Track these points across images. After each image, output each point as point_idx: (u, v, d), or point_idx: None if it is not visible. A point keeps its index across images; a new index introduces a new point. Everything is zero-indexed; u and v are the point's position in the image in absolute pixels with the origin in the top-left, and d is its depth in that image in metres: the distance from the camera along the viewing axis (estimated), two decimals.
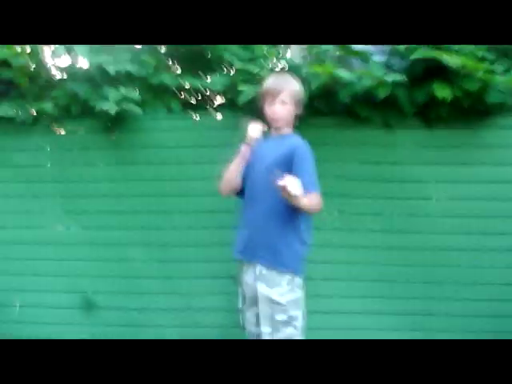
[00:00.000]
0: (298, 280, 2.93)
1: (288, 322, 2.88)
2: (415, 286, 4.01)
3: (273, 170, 2.74)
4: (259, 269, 2.91)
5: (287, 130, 3.05)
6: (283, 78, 3.08)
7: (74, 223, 4.23)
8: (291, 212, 2.81)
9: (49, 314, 4.24)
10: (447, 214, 3.96)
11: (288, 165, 2.81)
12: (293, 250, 2.89)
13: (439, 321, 4.01)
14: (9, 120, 4.16)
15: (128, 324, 4.17)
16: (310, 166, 2.85)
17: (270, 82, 3.06)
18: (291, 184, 2.57)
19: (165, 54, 4.30)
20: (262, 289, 2.89)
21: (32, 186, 4.26)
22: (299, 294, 2.94)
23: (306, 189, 2.67)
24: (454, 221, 3.96)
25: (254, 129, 3.02)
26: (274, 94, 2.97)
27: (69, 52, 4.08)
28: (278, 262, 2.87)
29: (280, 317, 2.87)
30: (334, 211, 3.93)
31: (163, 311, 4.15)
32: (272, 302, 2.86)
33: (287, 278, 2.88)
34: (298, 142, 2.93)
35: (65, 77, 4.18)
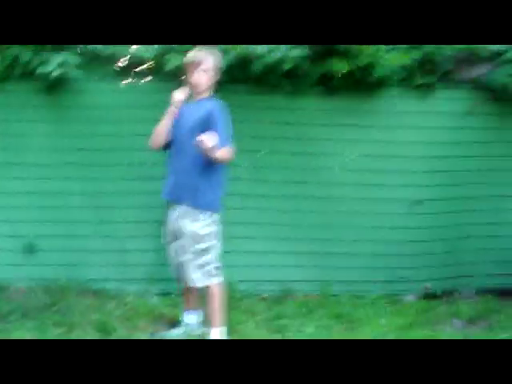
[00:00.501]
0: (215, 216, 3.58)
1: (206, 251, 3.53)
2: (315, 230, 4.74)
3: (194, 129, 3.37)
4: (184, 208, 3.53)
5: (206, 95, 3.62)
6: (203, 51, 3.63)
7: (15, 174, 4.65)
8: (209, 163, 3.43)
9: None
10: (344, 168, 4.71)
11: (206, 124, 3.41)
12: (211, 193, 3.52)
13: (337, 260, 4.77)
14: None
15: (66, 264, 4.64)
16: (223, 125, 3.47)
17: (192, 54, 3.61)
18: (206, 140, 3.20)
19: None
20: (186, 224, 3.52)
21: None
22: (215, 228, 3.58)
23: (220, 144, 3.31)
24: (349, 174, 4.71)
25: (179, 94, 3.60)
26: (195, 65, 3.53)
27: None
28: (199, 202, 3.50)
29: (200, 246, 3.51)
30: (247, 165, 4.56)
31: (98, 252, 4.67)
32: (194, 233, 3.50)
33: (206, 214, 3.52)
34: (213, 106, 3.52)
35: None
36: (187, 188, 3.51)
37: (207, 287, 3.56)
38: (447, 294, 4.79)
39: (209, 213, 3.52)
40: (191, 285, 3.59)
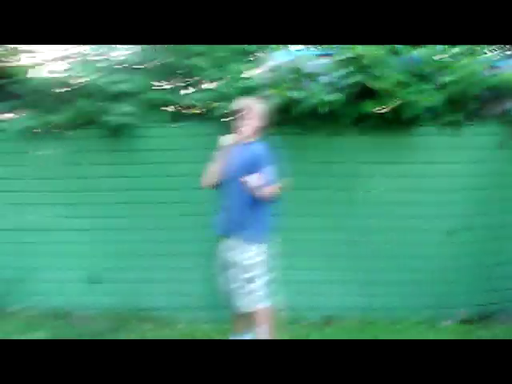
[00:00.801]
0: (262, 247, 3.95)
1: (253, 279, 3.89)
2: (358, 260, 5.06)
3: (242, 170, 3.79)
4: (233, 240, 3.93)
5: (253, 139, 4.02)
6: (249, 101, 4.06)
7: (81, 213, 5.17)
8: (255, 200, 3.84)
9: (64, 287, 5.18)
10: (382, 202, 5.03)
11: (252, 166, 3.82)
12: (257, 227, 3.90)
13: (377, 287, 5.07)
14: (27, 128, 5.08)
15: (126, 293, 5.11)
16: (267, 166, 3.85)
17: (239, 104, 4.04)
18: (251, 180, 3.61)
19: (152, 73, 5.26)
20: (235, 255, 3.91)
21: (46, 182, 5.19)
22: (262, 258, 3.95)
23: (266, 183, 3.72)
24: (386, 207, 5.03)
25: (229, 139, 4.03)
26: (243, 112, 3.96)
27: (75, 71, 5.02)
28: (246, 236, 3.89)
29: (248, 274, 3.88)
30: (294, 200, 4.87)
31: (155, 283, 5.12)
32: (242, 264, 3.89)
33: (253, 246, 3.91)
34: (258, 150, 3.92)
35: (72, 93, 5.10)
36: (236, 223, 3.90)
37: (256, 312, 3.91)
38: (484, 320, 4.98)
39: (256, 244, 3.90)
40: (240, 311, 3.95)
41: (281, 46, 5.31)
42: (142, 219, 5.13)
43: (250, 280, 3.88)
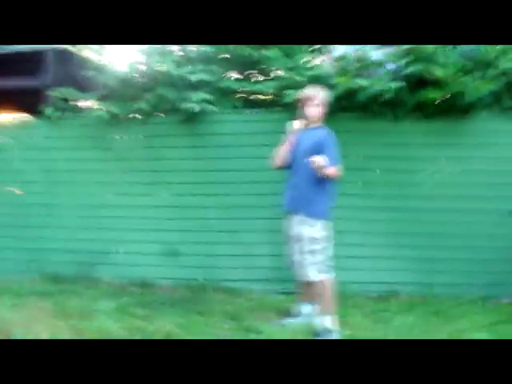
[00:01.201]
0: (326, 224, 4.30)
1: (319, 251, 4.25)
2: (419, 238, 5.33)
3: (308, 152, 4.14)
4: (301, 217, 4.29)
5: (318, 124, 4.36)
6: (315, 88, 4.38)
7: (163, 191, 5.66)
8: (320, 179, 4.17)
9: (144, 259, 5.68)
10: (442, 183, 5.28)
11: (318, 148, 4.14)
12: (322, 204, 4.25)
13: (438, 264, 5.32)
14: (113, 115, 5.59)
15: (203, 266, 5.57)
16: (332, 148, 4.18)
17: (306, 91, 4.37)
18: (318, 160, 3.96)
19: (226, 63, 5.66)
20: (305, 230, 4.27)
21: (129, 164, 5.71)
22: (327, 232, 4.31)
23: (330, 163, 4.05)
24: (446, 188, 5.28)
25: (295, 124, 4.38)
26: (309, 100, 4.29)
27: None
28: (313, 212, 4.25)
29: (315, 247, 4.24)
30: (358, 181, 5.24)
31: (229, 257, 5.55)
32: (310, 237, 4.25)
33: (319, 222, 4.26)
34: (323, 133, 4.25)
35: (153, 83, 5.57)
36: (303, 200, 4.26)
37: (320, 282, 4.27)
38: None
39: (320, 220, 4.26)
40: (307, 280, 4.32)
41: None
42: (216, 198, 5.57)
43: (315, 252, 4.22)
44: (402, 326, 4.37)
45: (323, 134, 4.24)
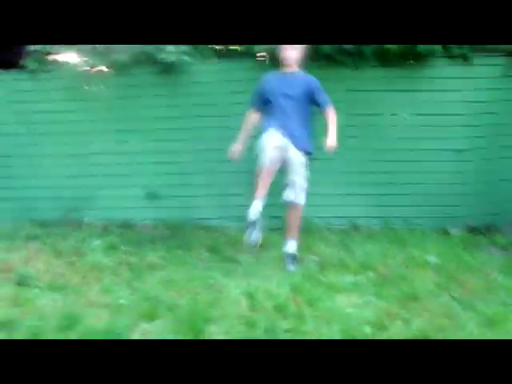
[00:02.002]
0: (307, 157, 4.71)
1: (304, 178, 4.67)
2: (377, 176, 5.87)
3: (302, 96, 4.58)
4: (293, 148, 4.61)
5: (295, 68, 4.72)
6: None
7: (141, 138, 6.04)
8: (309, 120, 4.65)
9: (125, 202, 6.09)
10: (399, 125, 5.82)
11: (310, 92, 4.61)
12: (308, 139, 4.70)
13: (394, 200, 5.91)
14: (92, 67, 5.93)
15: (180, 207, 6.02)
16: (323, 91, 4.67)
17: None
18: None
19: None
20: (296, 155, 4.59)
21: (109, 113, 6.05)
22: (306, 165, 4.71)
23: (327, 102, 4.61)
24: (403, 129, 5.81)
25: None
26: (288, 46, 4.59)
27: None
28: (303, 146, 4.64)
29: (305, 172, 4.67)
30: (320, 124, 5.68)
31: (205, 197, 6.00)
32: (302, 162, 4.64)
33: (303, 153, 4.66)
34: (309, 77, 4.70)
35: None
36: (295, 136, 4.61)
37: (302, 206, 4.65)
38: (488, 229, 5.76)
39: (305, 152, 4.68)
40: (294, 202, 4.61)
41: None
42: (192, 142, 5.97)
43: (304, 177, 4.65)
44: (361, 252, 4.92)
45: (308, 78, 4.70)
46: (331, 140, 4.51)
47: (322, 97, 4.66)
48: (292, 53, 4.63)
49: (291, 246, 4.69)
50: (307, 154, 4.69)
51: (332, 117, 4.63)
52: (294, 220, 4.67)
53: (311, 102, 4.69)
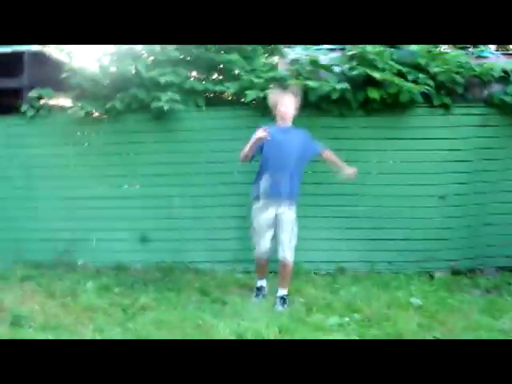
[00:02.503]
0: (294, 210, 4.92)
1: (295, 234, 4.89)
2: (363, 221, 6.03)
3: (297, 151, 4.79)
4: (284, 204, 4.82)
5: (290, 122, 4.92)
6: (289, 88, 5.00)
7: (133, 183, 6.24)
8: (299, 174, 4.86)
9: (117, 245, 6.22)
10: (383, 172, 6.02)
11: (304, 145, 4.86)
12: (296, 193, 4.89)
13: (380, 244, 6.06)
14: (87, 113, 6.12)
15: (171, 250, 6.14)
16: (315, 141, 4.91)
17: (280, 92, 4.91)
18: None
19: (191, 65, 6.26)
20: (287, 213, 4.82)
21: (102, 158, 6.24)
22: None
23: (322, 146, 4.90)
24: (387, 176, 6.01)
25: (262, 131, 4.72)
26: (285, 99, 4.83)
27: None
28: (293, 197, 4.86)
29: (295, 229, 4.87)
30: (307, 171, 5.83)
31: (194, 241, 6.14)
32: (292, 220, 4.86)
33: (294, 205, 4.88)
34: (301, 130, 4.89)
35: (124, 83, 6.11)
36: (287, 191, 4.81)
37: (291, 263, 4.88)
38: (471, 272, 5.94)
39: (294, 207, 4.89)
40: (284, 260, 4.84)
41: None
42: (182, 188, 6.14)
43: (294, 235, 4.87)
44: (347, 295, 5.06)
45: (302, 132, 4.93)
46: (347, 169, 5.00)
47: (316, 144, 4.98)
48: (290, 108, 4.84)
49: (283, 291, 4.90)
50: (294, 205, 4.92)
51: (334, 157, 5.05)
52: (286, 275, 4.91)
53: (306, 154, 4.95)
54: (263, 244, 4.92)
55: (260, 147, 4.84)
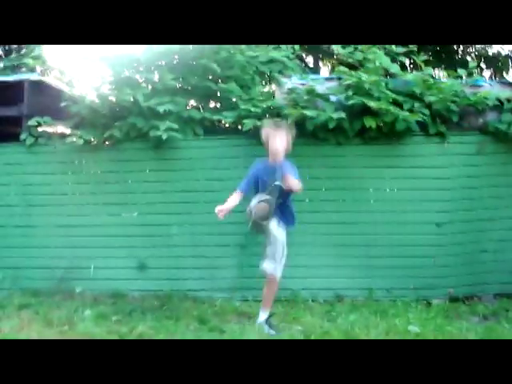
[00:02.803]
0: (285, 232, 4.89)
1: (283, 253, 4.83)
2: (361, 249, 6.05)
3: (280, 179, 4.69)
4: (275, 223, 4.79)
5: (281, 158, 4.74)
6: (281, 123, 4.98)
7: (132, 211, 6.26)
8: (288, 202, 4.85)
9: (115, 273, 6.22)
10: (381, 200, 6.06)
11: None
12: (287, 216, 4.89)
13: (377, 272, 6.06)
14: (86, 141, 6.19)
15: (169, 278, 6.14)
16: (295, 171, 4.79)
17: (272, 126, 4.86)
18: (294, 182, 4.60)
19: (189, 94, 6.34)
20: (277, 231, 4.79)
21: (102, 186, 6.29)
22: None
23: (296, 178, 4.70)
24: (384, 204, 6.05)
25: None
26: (277, 134, 4.75)
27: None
28: (282, 221, 4.84)
29: (285, 251, 4.84)
30: (304, 199, 5.93)
31: (193, 269, 6.15)
32: (284, 241, 4.82)
33: (284, 230, 4.86)
34: (285, 164, 4.72)
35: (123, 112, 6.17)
36: (281, 212, 4.83)
37: (274, 279, 4.82)
38: (468, 298, 5.95)
39: (285, 228, 4.88)
40: (272, 274, 4.79)
41: (297, 70, 6.40)
42: (180, 216, 6.20)
43: (284, 255, 4.84)
44: (345, 322, 5.05)
45: (286, 165, 4.78)
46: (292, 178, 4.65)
47: (294, 174, 4.75)
48: (281, 145, 4.76)
49: (261, 316, 4.86)
50: (285, 227, 4.89)
51: (298, 182, 4.73)
52: (269, 292, 4.87)
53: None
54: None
55: (251, 184, 4.91)
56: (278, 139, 4.75)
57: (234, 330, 4.83)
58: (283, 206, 4.86)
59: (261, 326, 4.81)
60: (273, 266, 4.81)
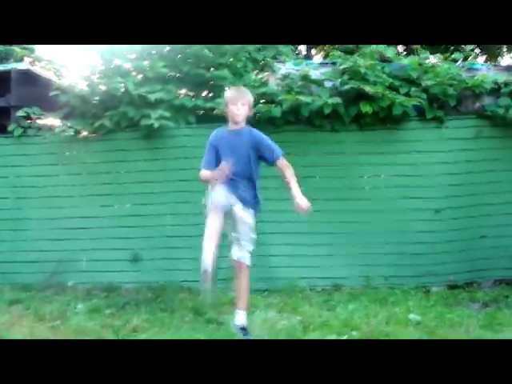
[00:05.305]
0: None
1: (252, 239, 4.37)
2: (358, 236, 5.96)
3: (249, 153, 4.20)
4: (240, 207, 4.29)
5: (243, 125, 4.25)
6: (242, 89, 4.47)
7: (124, 202, 6.14)
8: (255, 181, 4.33)
9: (108, 265, 6.11)
10: (377, 186, 5.96)
11: (255, 148, 4.22)
12: (255, 199, 4.37)
13: (375, 259, 5.95)
14: (76, 132, 6.05)
15: (163, 269, 6.04)
16: (269, 139, 4.23)
17: (233, 91, 4.40)
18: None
19: (181, 83, 6.21)
20: (243, 215, 4.29)
21: (95, 177, 6.17)
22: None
23: (278, 153, 4.21)
24: (381, 190, 5.95)
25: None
26: (237, 99, 4.20)
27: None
28: (249, 204, 4.31)
29: (252, 235, 4.38)
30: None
31: (187, 259, 5.97)
32: (251, 225, 4.33)
33: (252, 213, 4.39)
34: (250, 129, 4.22)
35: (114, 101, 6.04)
36: (243, 197, 4.30)
37: (248, 268, 4.36)
38: (468, 285, 5.87)
39: (253, 212, 4.39)
40: (241, 261, 4.32)
41: (290, 56, 6.27)
42: (172, 206, 6.08)
43: (251, 238, 4.38)
44: (344, 312, 4.96)
45: (249, 131, 4.30)
46: (300, 199, 4.15)
47: (270, 149, 4.23)
48: (242, 109, 4.24)
49: (239, 319, 4.34)
50: (254, 214, 4.43)
51: (288, 171, 4.22)
52: (242, 285, 4.38)
53: (260, 159, 4.34)
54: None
55: (212, 156, 4.45)
56: (240, 104, 4.25)
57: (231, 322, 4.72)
58: (250, 186, 4.36)
59: (237, 330, 4.30)
60: (238, 253, 4.37)
